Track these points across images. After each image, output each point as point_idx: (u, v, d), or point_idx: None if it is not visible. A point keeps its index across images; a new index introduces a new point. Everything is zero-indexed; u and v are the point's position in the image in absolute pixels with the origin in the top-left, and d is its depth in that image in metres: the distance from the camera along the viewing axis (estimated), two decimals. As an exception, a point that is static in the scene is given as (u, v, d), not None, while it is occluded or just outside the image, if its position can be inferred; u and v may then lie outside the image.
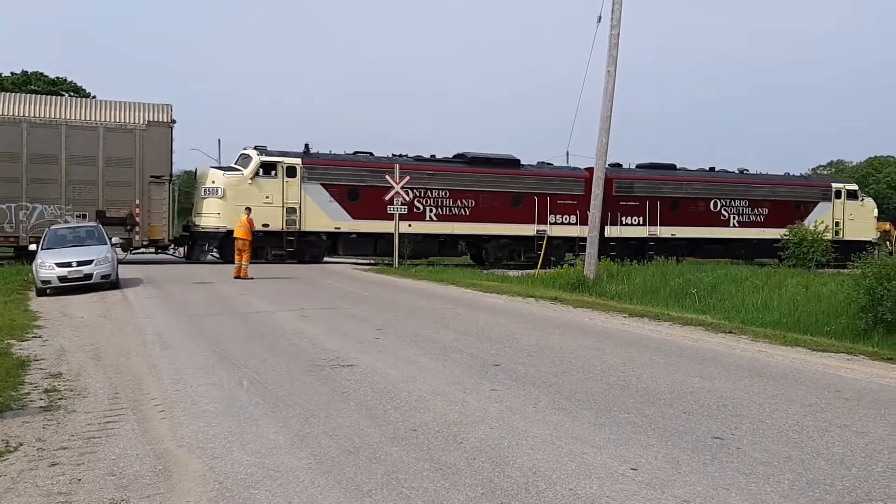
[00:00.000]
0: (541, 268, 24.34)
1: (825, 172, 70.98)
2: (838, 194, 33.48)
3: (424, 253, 27.30)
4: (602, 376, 7.49)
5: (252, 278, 18.90)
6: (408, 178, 24.90)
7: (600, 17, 18.24)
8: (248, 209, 21.20)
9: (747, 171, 33.33)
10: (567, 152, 42.68)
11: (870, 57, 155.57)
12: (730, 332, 11.13)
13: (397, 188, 24.52)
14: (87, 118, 23.24)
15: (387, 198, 24.59)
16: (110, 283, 16.33)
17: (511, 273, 24.36)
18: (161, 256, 27.70)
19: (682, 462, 4.74)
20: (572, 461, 4.73)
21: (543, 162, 31.28)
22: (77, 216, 22.36)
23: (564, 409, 6.07)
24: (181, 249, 28.04)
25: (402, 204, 24.72)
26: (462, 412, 5.95)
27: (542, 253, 25.83)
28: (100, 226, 18.71)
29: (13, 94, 24.31)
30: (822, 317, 12.81)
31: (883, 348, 10.20)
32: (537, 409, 6.05)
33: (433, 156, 28.69)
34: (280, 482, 4.38)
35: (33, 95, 24.48)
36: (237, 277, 18.94)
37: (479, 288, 18.05)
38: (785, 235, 27.29)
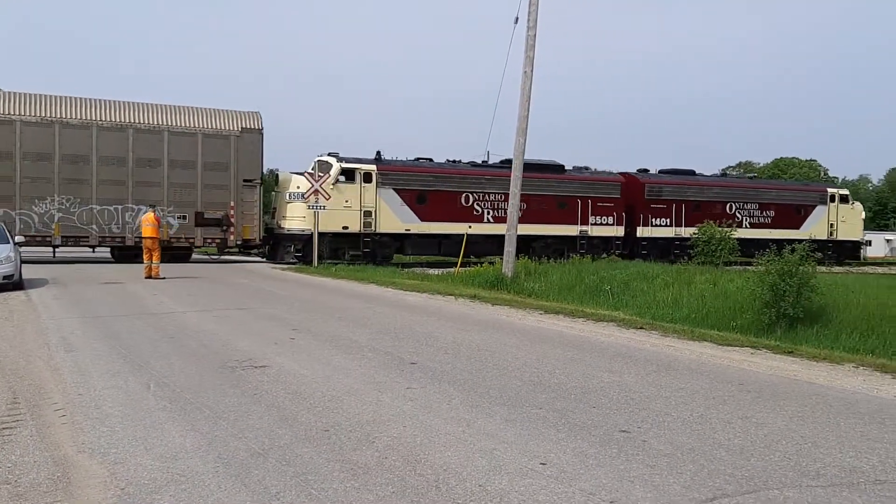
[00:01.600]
0: (460, 266, 24.48)
1: (734, 173, 73.70)
2: (833, 199, 36.34)
3: (484, 252, 28.13)
4: (516, 373, 7.58)
5: (164, 278, 18.39)
6: (328, 176, 24.73)
7: (517, 18, 18.45)
8: (153, 206, 20.76)
9: (757, 176, 35.09)
10: (487, 152, 42.80)
11: (779, 66, 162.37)
12: (641, 328, 11.43)
13: (317, 186, 24.28)
14: (187, 125, 24.70)
15: (305, 195, 24.34)
16: (13, 283, 15.58)
17: (432, 272, 24.42)
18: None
19: (590, 456, 4.84)
20: (483, 458, 4.77)
21: (581, 167, 32.93)
22: (178, 217, 24.40)
23: (478, 407, 6.12)
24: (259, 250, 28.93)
25: (322, 205, 24.53)
26: (376, 411, 5.92)
27: (462, 250, 25.97)
28: (2, 224, 17.85)
29: (121, 101, 24.96)
30: (729, 312, 13.27)
31: (784, 342, 10.64)
32: (451, 407, 6.08)
33: (484, 161, 30.28)
34: (185, 487, 4.26)
35: (139, 102, 25.26)
36: (148, 277, 18.40)
37: (399, 287, 18.03)
38: (695, 235, 28.38)
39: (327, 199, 24.66)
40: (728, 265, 25.08)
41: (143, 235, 19.49)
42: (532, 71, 18.44)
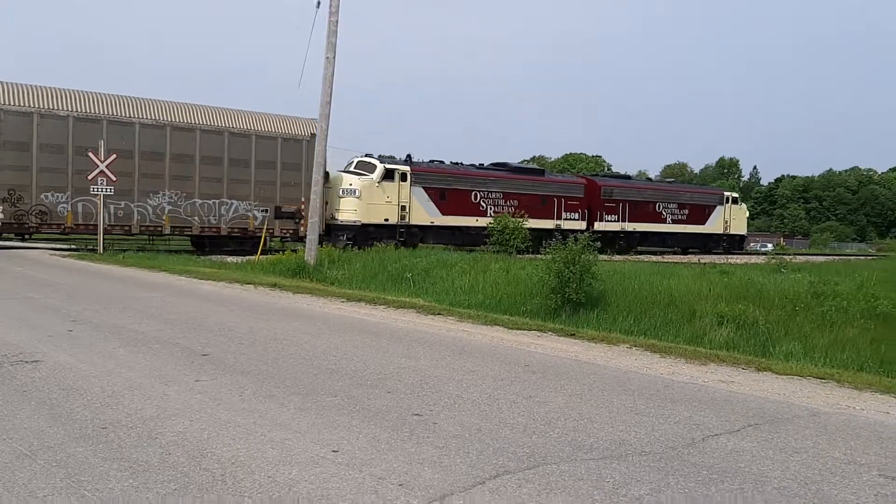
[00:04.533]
0: (261, 254, 23.87)
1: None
2: (727, 200, 43.81)
3: (484, 242, 30.90)
4: (313, 361, 7.50)
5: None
6: (114, 156, 23.19)
7: (319, 3, 18.21)
8: None
9: (673, 180, 43.08)
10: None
11: (567, 66, 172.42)
12: (439, 314, 11.73)
13: (102, 167, 22.68)
14: (270, 130, 27.46)
15: (89, 177, 22.70)
16: None
17: (230, 259, 23.62)
18: None
19: (382, 440, 4.89)
20: (274, 448, 4.67)
21: (549, 171, 40.71)
22: (262, 211, 27.24)
23: (272, 397, 5.99)
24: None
25: (109, 184, 22.97)
26: (161, 406, 5.62)
27: (261, 239, 25.38)
28: None
29: (219, 108, 27.48)
30: (520, 298, 13.96)
31: (568, 325, 11.37)
32: (243, 399, 5.90)
33: (482, 164, 35.54)
34: (-68, 498, 3.81)
35: (233, 110, 27.76)
36: None
37: (194, 275, 17.25)
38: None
39: (114, 182, 23.15)
40: (520, 253, 26.33)
41: None
42: (335, 57, 18.30)
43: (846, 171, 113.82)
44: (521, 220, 28.77)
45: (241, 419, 5.31)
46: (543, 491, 4.09)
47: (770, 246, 47.32)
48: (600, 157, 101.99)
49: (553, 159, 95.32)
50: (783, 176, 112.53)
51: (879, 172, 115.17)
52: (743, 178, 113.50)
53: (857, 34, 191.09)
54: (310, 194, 26.56)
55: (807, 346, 9.95)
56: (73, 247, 25.70)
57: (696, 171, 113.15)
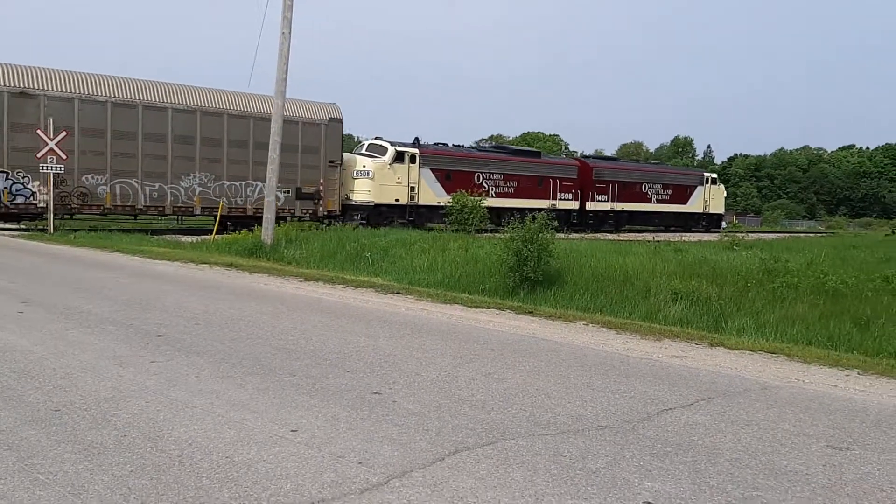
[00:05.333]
0: (217, 234, 23.56)
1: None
2: (707, 181, 45.88)
3: (491, 222, 32.39)
4: (271, 341, 7.46)
5: None
6: (65, 133, 22.62)
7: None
8: None
9: (659, 162, 44.13)
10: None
11: (525, 48, 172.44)
12: (398, 293, 11.73)
13: (52, 145, 22.13)
14: (291, 114, 27.51)
15: (38, 155, 22.14)
16: None
17: (185, 239, 23.28)
18: None
19: (341, 419, 4.89)
20: (231, 429, 4.64)
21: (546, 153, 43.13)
22: (284, 192, 27.84)
23: (229, 377, 5.94)
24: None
25: (60, 162, 22.45)
26: (116, 387, 5.54)
27: (217, 218, 25.04)
28: None
29: (246, 93, 28.40)
30: (479, 276, 14.01)
31: (526, 303, 11.46)
32: (200, 379, 5.84)
33: (483, 146, 37.55)
34: None
35: (258, 95, 28.55)
36: None
37: (148, 255, 16.98)
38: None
39: (64, 160, 22.61)
40: (479, 232, 26.42)
41: None
42: (290, 32, 18.03)
43: (797, 150, 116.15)
44: (479, 198, 28.94)
45: (198, 400, 5.26)
46: (502, 466, 4.14)
47: (724, 224, 48.59)
48: (557, 136, 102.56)
49: (511, 137, 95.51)
50: (736, 155, 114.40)
51: (829, 151, 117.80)
52: (697, 157, 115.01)
53: (809, 18, 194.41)
54: (325, 177, 29.58)
55: (758, 322, 10.18)
56: (22, 226, 25.07)
57: (652, 150, 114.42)
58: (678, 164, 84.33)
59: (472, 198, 28.63)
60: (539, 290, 12.62)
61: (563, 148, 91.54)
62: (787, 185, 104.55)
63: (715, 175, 48.84)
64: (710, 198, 45.59)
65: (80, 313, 8.74)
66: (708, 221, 45.43)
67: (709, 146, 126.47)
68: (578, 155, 52.31)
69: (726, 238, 23.91)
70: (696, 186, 45.03)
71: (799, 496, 3.89)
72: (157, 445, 4.32)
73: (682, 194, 43.89)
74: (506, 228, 14.07)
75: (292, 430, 4.64)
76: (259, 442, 4.41)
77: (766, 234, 39.40)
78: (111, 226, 26.69)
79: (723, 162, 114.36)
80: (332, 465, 4.06)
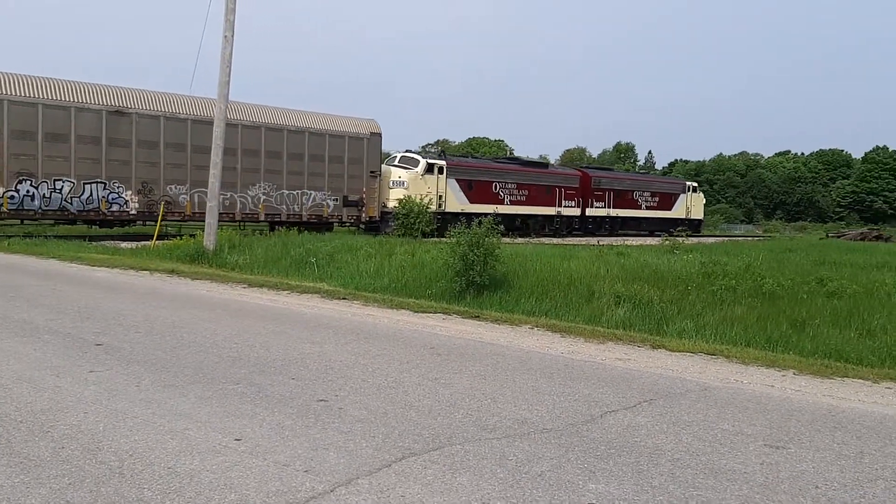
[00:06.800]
0: (157, 240, 23.08)
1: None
2: (689, 189, 49.52)
3: (505, 228, 33.94)
4: (214, 349, 7.34)
5: None
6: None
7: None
8: None
9: (647, 172, 44.03)
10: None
11: (472, 56, 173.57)
12: (343, 299, 11.67)
13: None
14: (338, 129, 31.12)
15: None
16: None
17: (124, 245, 22.76)
18: None
19: (287, 427, 4.84)
20: (174, 439, 4.55)
21: (550, 163, 48.25)
22: (333, 199, 30.81)
23: (172, 386, 5.83)
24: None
25: None
26: (53, 398, 5.38)
27: (157, 224, 24.55)
28: None
29: (301, 111, 31.05)
30: (426, 281, 14.00)
31: (473, 307, 11.50)
32: (140, 389, 5.72)
33: (498, 158, 42.10)
34: None
35: (311, 113, 31.29)
36: None
37: (86, 262, 16.57)
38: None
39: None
40: (425, 236, 26.42)
41: None
42: (233, 36, 17.79)
43: (735, 155, 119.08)
44: (425, 203, 29.11)
45: (138, 410, 5.15)
46: (448, 471, 4.15)
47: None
48: (502, 141, 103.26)
49: (456, 143, 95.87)
50: (676, 160, 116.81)
51: (766, 157, 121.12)
52: (639, 163, 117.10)
53: (747, 28, 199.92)
54: (367, 186, 32.02)
55: (698, 324, 10.40)
56: None
57: (595, 155, 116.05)
58: (620, 168, 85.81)
59: (417, 202, 28.76)
60: (485, 295, 12.68)
61: (508, 152, 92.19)
62: (726, 190, 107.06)
63: (696, 184, 52.66)
64: (691, 205, 49.32)
65: (14, 322, 8.48)
66: (689, 226, 48.12)
67: (650, 152, 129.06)
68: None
69: (667, 242, 24.37)
70: (679, 194, 48.57)
71: (737, 494, 3.99)
72: (97, 457, 4.22)
73: (667, 201, 47.45)
74: (451, 233, 14.10)
75: (236, 439, 4.57)
76: (202, 452, 4.34)
77: (705, 238, 40.35)
78: (47, 231, 25.94)
79: (664, 167, 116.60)
80: (277, 474, 4.02)
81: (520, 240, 30.37)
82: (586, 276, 13.52)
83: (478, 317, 10.14)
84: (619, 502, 3.82)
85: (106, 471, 4.02)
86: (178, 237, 22.64)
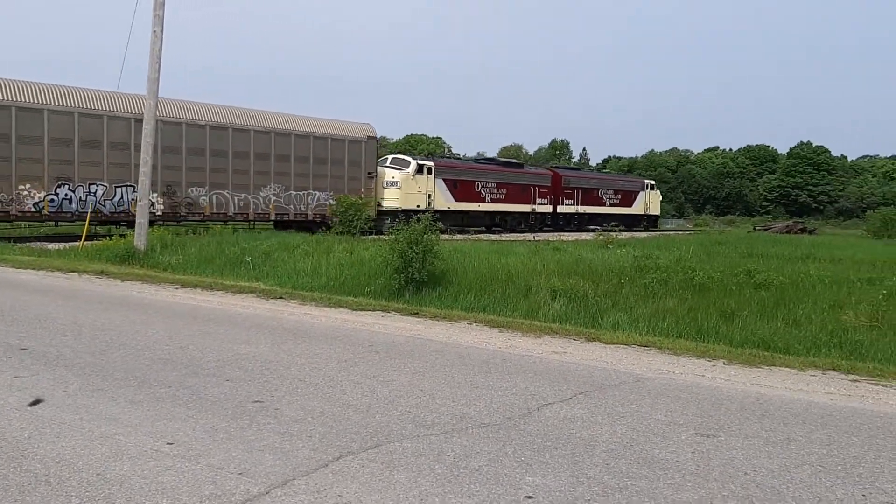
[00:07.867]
0: (85, 240, 22.39)
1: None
2: (647, 187, 52.94)
3: (482, 224, 39.11)
4: (145, 351, 7.16)
5: None
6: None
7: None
8: None
9: (610, 171, 48.24)
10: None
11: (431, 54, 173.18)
12: (280, 298, 11.52)
13: None
14: (339, 133, 32.76)
15: None
16: None
17: (51, 246, 22.01)
18: None
19: (221, 430, 4.75)
20: (103, 444, 4.43)
21: (522, 163, 50.14)
22: (331, 200, 31.57)
23: (100, 390, 5.66)
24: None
25: None
26: (-27, 406, 5.17)
27: (86, 224, 23.84)
28: None
29: (307, 116, 32.84)
30: (364, 279, 13.93)
31: (412, 304, 11.49)
32: (68, 394, 5.54)
33: (478, 159, 44.38)
34: None
35: (314, 118, 32.97)
36: None
37: (10, 263, 16.00)
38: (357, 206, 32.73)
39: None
40: (364, 234, 26.31)
41: None
42: (162, 31, 17.36)
43: (666, 151, 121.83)
44: (362, 200, 29.01)
45: (66, 415, 4.99)
46: (386, 469, 4.14)
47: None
48: (440, 138, 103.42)
49: (394, 140, 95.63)
50: (610, 157, 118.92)
51: (695, 153, 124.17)
52: (574, 159, 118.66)
53: (682, 29, 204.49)
54: (367, 186, 33.02)
55: (632, 317, 10.60)
56: None
57: (531, 152, 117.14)
58: (555, 164, 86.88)
59: (355, 199, 28.61)
60: (425, 291, 12.68)
61: (446, 150, 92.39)
62: (657, 185, 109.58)
63: (653, 182, 55.93)
64: (649, 202, 52.72)
65: (-69, 328, 8.12)
66: (648, 222, 52.20)
67: (584, 148, 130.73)
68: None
69: (601, 237, 24.78)
70: (639, 192, 51.89)
71: (670, 483, 4.08)
72: (22, 465, 4.07)
73: (628, 199, 50.72)
74: (390, 230, 14.05)
75: (168, 443, 4.47)
76: (133, 456, 4.23)
77: (638, 233, 41.34)
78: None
79: (598, 164, 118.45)
80: (210, 478, 3.94)
81: (492, 236, 33.51)
82: (524, 271, 13.66)
83: (417, 314, 10.14)
84: (555, 494, 3.86)
85: (31, 479, 3.88)
86: (108, 238, 22.05)
